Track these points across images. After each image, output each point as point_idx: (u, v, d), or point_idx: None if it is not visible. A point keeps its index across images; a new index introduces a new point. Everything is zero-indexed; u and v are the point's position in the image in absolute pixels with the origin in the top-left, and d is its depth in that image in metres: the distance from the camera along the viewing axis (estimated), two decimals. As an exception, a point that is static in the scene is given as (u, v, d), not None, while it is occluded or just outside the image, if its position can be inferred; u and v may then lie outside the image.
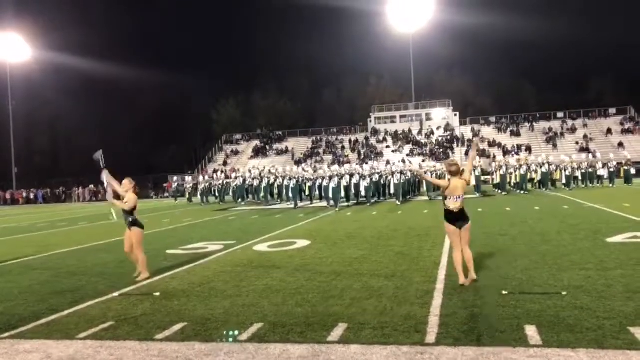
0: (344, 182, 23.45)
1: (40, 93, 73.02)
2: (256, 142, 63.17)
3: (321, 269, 8.33)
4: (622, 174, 31.49)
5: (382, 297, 6.33)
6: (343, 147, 57.84)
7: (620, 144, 47.06)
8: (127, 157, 74.09)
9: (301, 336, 5.02)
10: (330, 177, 23.09)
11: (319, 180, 24.56)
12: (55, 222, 22.35)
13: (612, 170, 31.19)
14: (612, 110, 55.98)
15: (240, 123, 78.12)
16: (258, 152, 60.26)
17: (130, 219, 8.20)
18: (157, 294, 7.10)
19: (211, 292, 7.11)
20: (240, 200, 29.68)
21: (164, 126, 78.81)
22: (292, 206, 23.90)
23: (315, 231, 14.01)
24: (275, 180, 27.93)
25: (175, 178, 40.55)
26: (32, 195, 53.37)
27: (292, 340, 4.93)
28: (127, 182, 8.45)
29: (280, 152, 59.35)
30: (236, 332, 5.24)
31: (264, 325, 5.41)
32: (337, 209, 21.03)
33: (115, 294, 7.22)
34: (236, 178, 31.23)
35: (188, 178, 36.05)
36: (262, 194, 27.92)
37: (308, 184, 26.25)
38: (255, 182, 28.88)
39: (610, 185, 30.15)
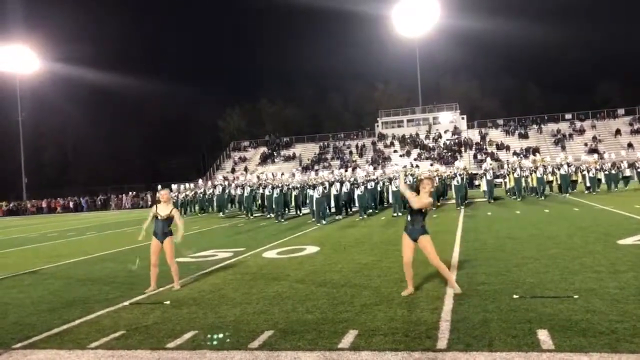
0: (333, 191, 20.61)
1: (49, 104, 73.70)
2: (264, 149, 63.33)
3: (331, 275, 8.32)
4: None
5: (393, 303, 6.31)
6: (351, 152, 57.85)
7: (630, 145, 46.75)
8: (136, 166, 74.61)
9: (312, 343, 5.01)
10: (314, 186, 19.73)
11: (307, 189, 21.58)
12: (64, 232, 22.47)
13: None
14: (621, 111, 55.62)
15: (247, 130, 78.41)
16: (266, 159, 60.40)
17: (167, 230, 8.09)
18: (168, 302, 7.11)
19: (221, 299, 7.11)
20: (220, 212, 27.27)
21: (172, 135, 79.25)
22: (275, 219, 21.00)
23: (324, 237, 13.99)
24: (258, 188, 24.69)
25: (159, 187, 38.03)
26: (70, 204, 53.56)
27: (302, 347, 4.92)
28: (167, 193, 8.35)
29: (287, 158, 59.45)
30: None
31: (274, 333, 5.41)
32: (323, 222, 18.09)
33: (126, 303, 7.24)
34: (215, 187, 28.73)
35: (174, 186, 32.97)
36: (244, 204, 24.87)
37: (294, 193, 23.51)
38: (239, 191, 26.17)
39: None
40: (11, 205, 55.25)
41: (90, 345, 5.42)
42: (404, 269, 6.89)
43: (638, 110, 54.65)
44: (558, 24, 72.98)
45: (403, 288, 7.07)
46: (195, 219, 25.83)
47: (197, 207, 31.06)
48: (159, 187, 33.40)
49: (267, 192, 22.89)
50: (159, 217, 8.08)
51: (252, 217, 23.65)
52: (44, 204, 54.23)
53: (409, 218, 6.85)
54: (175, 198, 31.60)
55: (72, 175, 75.63)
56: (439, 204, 23.35)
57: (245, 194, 24.68)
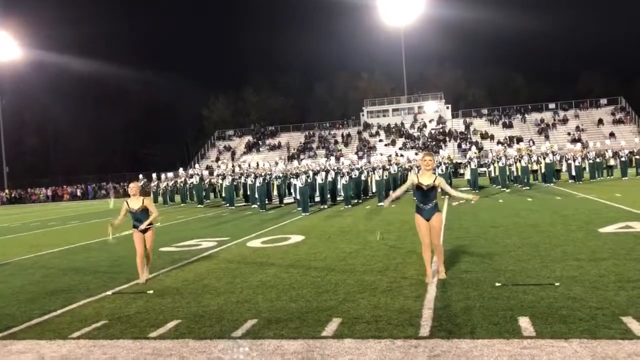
0: (318, 180, 20.55)
1: (30, 92, 72.48)
2: (249, 138, 63.02)
3: (315, 264, 8.33)
4: (634, 164, 28.31)
5: (376, 291, 6.33)
6: (336, 142, 57.83)
7: (612, 134, 47.30)
8: (119, 155, 73.91)
9: (295, 331, 5.01)
10: (297, 175, 19.60)
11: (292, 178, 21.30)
12: (46, 222, 22.22)
13: (623, 159, 27.69)
14: (603, 101, 56.16)
15: (232, 119, 77.90)
16: (251, 148, 60.14)
17: (145, 220, 7.94)
18: (151, 291, 7.07)
19: (205, 289, 7.08)
20: (200, 203, 26.25)
21: (156, 123, 78.45)
22: (259, 208, 20.58)
23: (309, 226, 14.00)
24: (240, 177, 24.54)
25: (141, 176, 34.75)
26: (78, 192, 52.77)
27: (286, 335, 4.92)
28: (136, 186, 8.05)
29: (273, 148, 59.26)
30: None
31: (258, 321, 5.40)
32: (306, 214, 17.70)
33: (108, 293, 7.18)
34: (192, 177, 27.89)
35: (154, 175, 32.47)
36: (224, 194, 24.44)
37: (276, 183, 23.19)
38: (219, 181, 25.49)
39: (624, 178, 26.57)
40: (14, 193, 54.43)
41: (72, 335, 5.37)
42: (423, 254, 6.81)
43: (620, 100, 55.26)
44: (542, 14, 73.40)
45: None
46: (178, 208, 25.60)
47: (177, 198, 30.51)
48: (140, 176, 32.86)
49: (249, 182, 22.63)
50: (133, 211, 7.92)
51: (234, 207, 23.18)
52: (49, 192, 53.49)
53: (420, 199, 6.78)
54: (156, 187, 31.29)
55: (54, 164, 74.68)
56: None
57: (226, 184, 24.19)
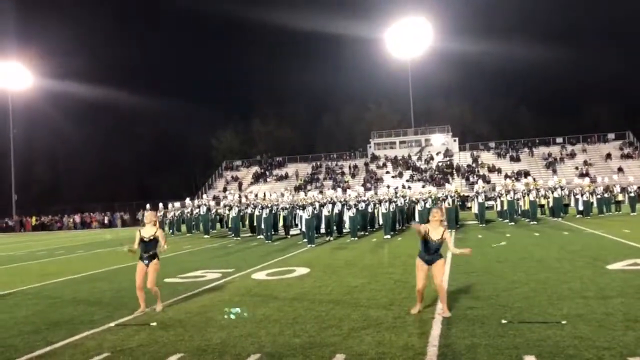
0: (325, 212, 20.44)
1: (41, 120, 73.50)
2: (256, 168, 63.31)
3: (320, 298, 8.27)
4: None
5: (381, 327, 6.27)
6: (343, 173, 57.94)
7: (620, 169, 47.11)
8: (127, 184, 74.31)
9: (298, 368, 4.96)
10: (304, 207, 19.44)
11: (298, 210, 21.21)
12: (52, 250, 22.24)
13: (632, 195, 27.64)
14: (611, 136, 56.14)
15: (240, 150, 78.42)
16: (258, 178, 60.34)
17: (152, 252, 8.01)
18: (154, 324, 7.03)
19: (208, 321, 7.04)
20: (206, 234, 26.08)
21: (164, 153, 79.18)
22: (265, 240, 20.74)
23: (315, 259, 13.93)
24: (247, 208, 24.74)
25: (147, 206, 33.69)
26: (106, 219, 52.81)
27: (288, 372, 4.87)
28: (151, 215, 8.15)
29: (280, 178, 59.43)
30: None
31: (260, 357, 5.35)
32: (311, 245, 17.55)
33: (112, 324, 7.15)
34: (198, 207, 28.03)
35: (161, 205, 31.77)
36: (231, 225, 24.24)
37: (283, 214, 22.88)
38: (226, 211, 25.63)
39: (632, 213, 26.52)
40: (41, 219, 54.48)
41: (73, 368, 5.33)
42: (416, 294, 6.97)
43: (628, 135, 55.24)
44: (549, 47, 73.81)
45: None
46: (184, 239, 25.56)
47: (184, 227, 30.37)
48: (147, 206, 32.55)
49: (256, 212, 22.61)
50: (144, 239, 7.98)
51: (239, 238, 23.07)
52: (77, 219, 53.55)
53: (424, 249, 6.89)
54: (161, 217, 31.12)
55: (63, 192, 75.09)
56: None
57: (233, 214, 24.20)
